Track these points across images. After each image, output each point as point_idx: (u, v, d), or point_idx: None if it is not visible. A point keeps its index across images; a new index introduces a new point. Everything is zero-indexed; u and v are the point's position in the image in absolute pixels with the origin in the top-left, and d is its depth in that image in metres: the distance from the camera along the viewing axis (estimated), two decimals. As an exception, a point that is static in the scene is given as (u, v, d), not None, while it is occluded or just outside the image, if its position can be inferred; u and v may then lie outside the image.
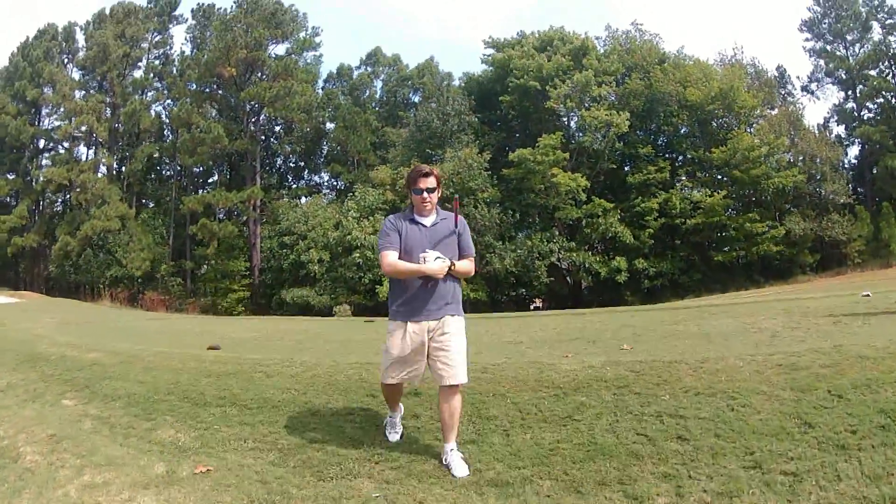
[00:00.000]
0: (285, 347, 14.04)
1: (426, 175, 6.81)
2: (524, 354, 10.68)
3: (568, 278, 57.70)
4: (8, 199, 68.89)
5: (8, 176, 67.35)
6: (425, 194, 6.76)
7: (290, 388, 9.14)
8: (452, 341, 6.65)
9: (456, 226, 6.86)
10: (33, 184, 66.31)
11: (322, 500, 5.87)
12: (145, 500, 5.99)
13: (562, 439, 6.64)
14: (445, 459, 6.48)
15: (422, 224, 6.80)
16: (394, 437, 7.27)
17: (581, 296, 56.61)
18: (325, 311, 49.24)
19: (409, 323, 6.71)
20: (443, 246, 6.76)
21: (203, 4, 69.95)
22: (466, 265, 6.89)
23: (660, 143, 62.28)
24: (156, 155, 70.15)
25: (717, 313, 15.55)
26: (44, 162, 68.86)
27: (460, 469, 6.28)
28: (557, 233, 55.14)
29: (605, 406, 7.20)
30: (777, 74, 68.99)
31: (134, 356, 12.52)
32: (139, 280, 60.39)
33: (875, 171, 61.82)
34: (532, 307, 55.93)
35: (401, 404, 7.49)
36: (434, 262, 6.60)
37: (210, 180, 72.35)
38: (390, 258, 6.71)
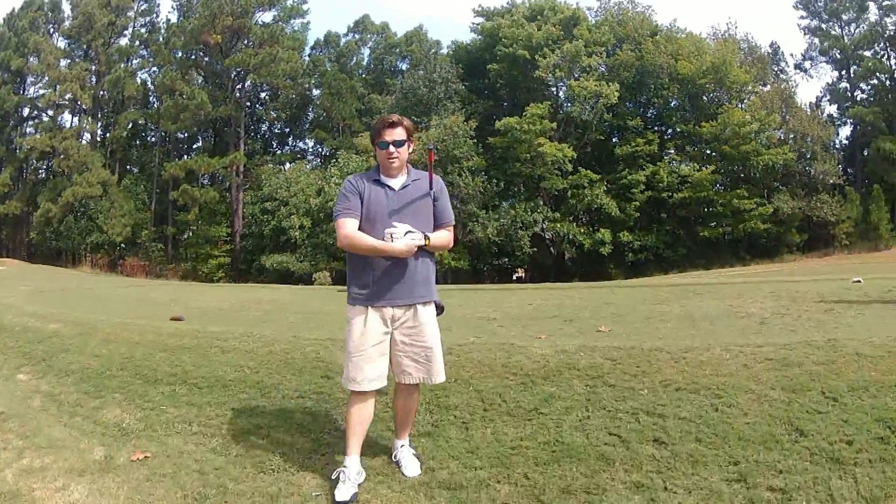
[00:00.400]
0: (249, 319, 13.59)
1: (392, 125, 5.50)
2: (495, 333, 10.09)
3: (552, 249, 57.04)
4: None
5: (-11, 142, 66.95)
6: (392, 149, 5.44)
7: (243, 366, 8.63)
8: (426, 333, 5.54)
9: (431, 187, 5.57)
10: (17, 151, 66.34)
11: (258, 497, 5.35)
12: (79, 488, 5.63)
13: (525, 436, 6.01)
14: (395, 455, 5.78)
15: (389, 186, 5.50)
16: (345, 493, 5.20)
17: (564, 267, 56.24)
18: (305, 278, 49.33)
19: (369, 309, 5.43)
20: (413, 212, 5.48)
21: (191, -28, 69.24)
22: (444, 237, 5.63)
23: (649, 115, 62.15)
24: (141, 122, 70.23)
25: (702, 293, 15.05)
26: (28, 130, 68.92)
27: (411, 468, 5.61)
28: (542, 203, 54.94)
29: (575, 399, 6.54)
30: (770, 51, 68.34)
31: (94, 327, 12.11)
32: (120, 246, 60.49)
33: (866, 153, 61.76)
34: (515, 277, 56.47)
35: (358, 455, 5.55)
36: (403, 239, 5.34)
37: (195, 146, 72.03)
38: (348, 228, 5.38)
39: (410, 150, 5.66)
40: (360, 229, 5.42)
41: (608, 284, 22.64)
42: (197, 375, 8.49)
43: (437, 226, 5.64)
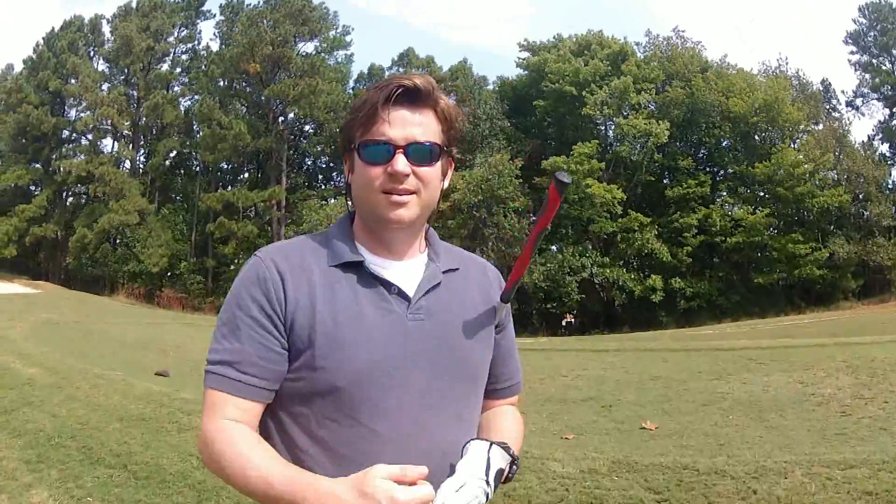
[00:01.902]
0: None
1: (409, 98, 1.99)
2: None
3: (602, 294, 55.28)
4: (31, 188, 68.88)
5: (30, 166, 66.72)
6: (401, 165, 1.94)
7: (192, 455, 7.51)
8: None
9: (508, 292, 2.18)
10: (55, 175, 65.64)
11: None
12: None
13: None
14: None
15: (388, 282, 2.01)
16: None
17: (614, 314, 54.34)
18: None
19: None
20: (451, 364, 2.05)
21: (231, 0, 69.08)
22: (520, 435, 2.30)
23: (700, 155, 60.40)
24: (185, 150, 69.82)
25: (765, 362, 13.41)
26: (66, 153, 68.23)
27: None
28: (591, 247, 53.44)
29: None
30: (822, 88, 65.99)
31: (68, 378, 11.98)
32: (157, 276, 59.73)
33: (921, 194, 59.24)
34: (564, 323, 54.79)
35: None
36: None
37: (239, 178, 71.75)
38: (226, 437, 1.88)
39: (446, 179, 2.17)
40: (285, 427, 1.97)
41: (658, 347, 20.37)
42: (141, 460, 7.58)
43: (498, 392, 2.37)
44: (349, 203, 2.15)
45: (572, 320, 55.67)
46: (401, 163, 1.92)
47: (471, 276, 2.19)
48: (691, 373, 12.84)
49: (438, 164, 2.03)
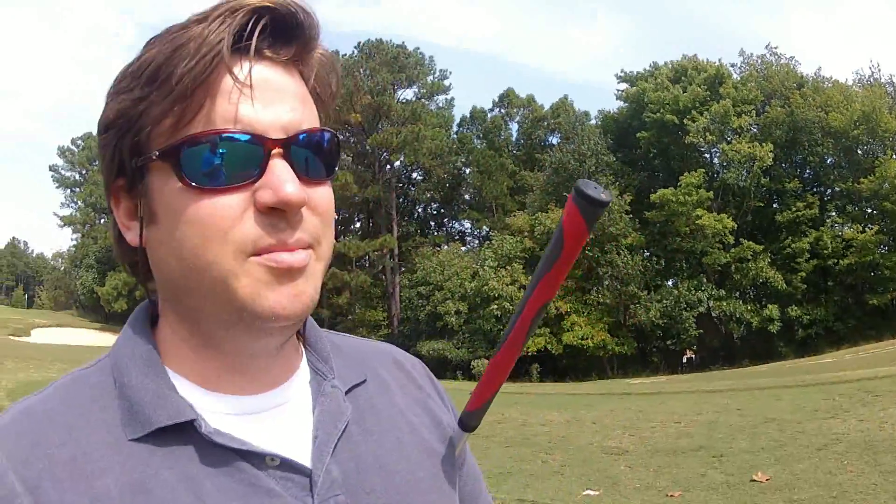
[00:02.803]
0: None
1: (277, 33, 0.91)
2: (616, 484, 8.67)
3: (721, 327, 54.89)
4: None
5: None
6: (289, 185, 0.86)
7: None
8: None
9: (473, 419, 1.13)
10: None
11: None
12: None
13: None
14: None
15: (256, 455, 0.92)
16: None
17: (733, 347, 53.84)
18: (462, 365, 48.98)
19: None
20: None
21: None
22: None
23: (806, 175, 59.66)
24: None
25: (882, 394, 13.11)
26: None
27: None
28: (706, 280, 53.11)
29: None
30: (917, 92, 64.83)
31: None
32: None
33: None
34: (684, 359, 54.24)
35: None
36: None
37: (351, 228, 72.35)
38: None
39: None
40: None
41: (773, 384, 19.97)
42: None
43: None
44: (148, 288, 1.05)
45: (692, 356, 55.10)
46: (289, 179, 0.88)
47: (389, 386, 1.21)
48: (806, 412, 12.52)
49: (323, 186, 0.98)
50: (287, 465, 0.94)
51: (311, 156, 0.93)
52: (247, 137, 0.87)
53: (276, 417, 0.99)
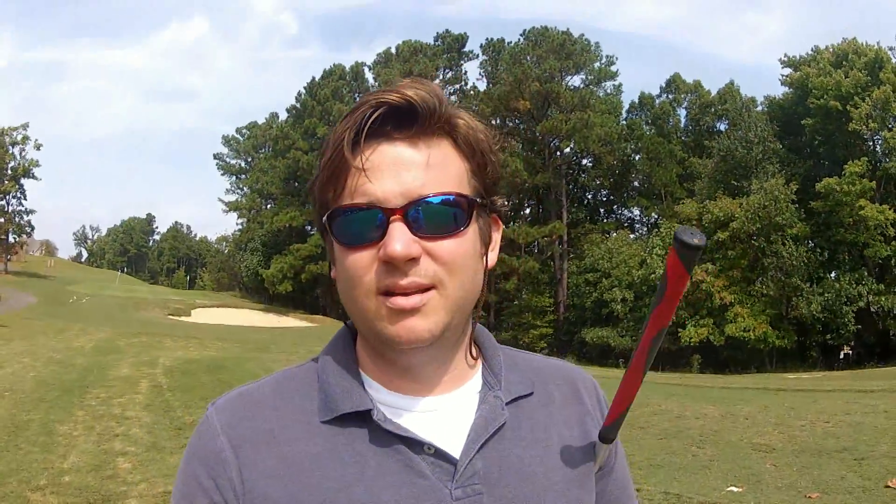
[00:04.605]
0: None
1: (398, 117, 1.15)
2: (759, 482, 8.75)
3: (879, 323, 53.37)
4: (306, 228, 76.65)
5: (303, 207, 72.87)
6: (397, 244, 1.10)
7: None
8: None
9: (610, 432, 1.29)
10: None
11: None
12: None
13: None
14: None
15: (415, 442, 1.19)
16: None
17: (889, 344, 52.53)
18: (626, 353, 48.61)
19: None
20: None
21: (492, 39, 72.30)
22: None
23: (972, 165, 56.19)
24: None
25: None
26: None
27: None
28: (866, 273, 51.80)
29: None
30: None
31: None
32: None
33: None
34: (842, 355, 53.59)
35: None
36: None
37: (521, 214, 73.54)
38: None
39: (492, 249, 1.30)
40: None
41: None
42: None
43: None
44: (343, 328, 1.40)
45: (849, 352, 54.15)
46: (398, 239, 1.10)
47: (554, 400, 1.37)
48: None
49: (471, 228, 1.20)
50: (440, 454, 1.18)
51: (430, 216, 1.12)
52: (368, 207, 1.12)
53: (442, 416, 1.23)
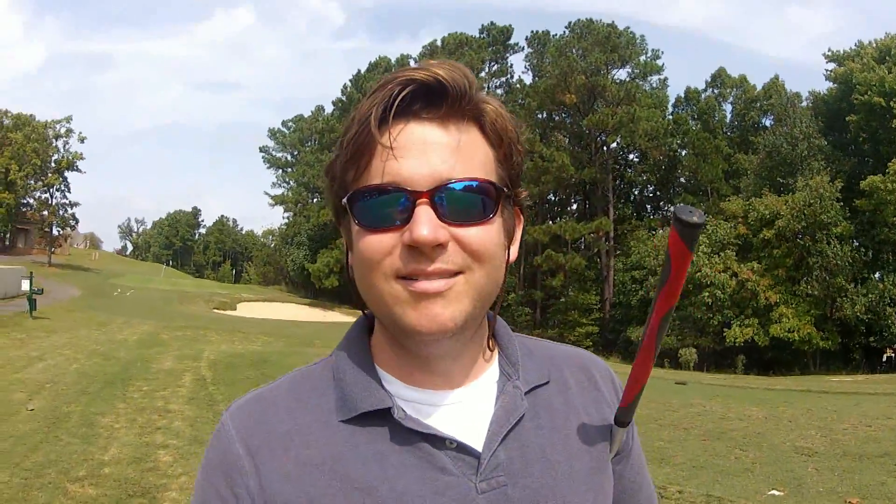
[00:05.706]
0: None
1: (428, 96, 1.13)
2: (801, 486, 8.87)
3: None
4: None
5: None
6: (424, 228, 1.08)
7: None
8: None
9: (626, 415, 1.32)
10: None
11: None
12: None
13: None
14: None
15: (437, 438, 1.20)
16: None
17: None
18: (670, 353, 49.18)
19: None
20: None
21: (537, 32, 72.41)
22: None
23: None
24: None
25: None
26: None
27: None
28: None
29: None
30: None
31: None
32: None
33: None
34: (885, 358, 53.11)
35: None
36: None
37: (568, 209, 74.07)
38: None
39: (515, 242, 1.30)
40: None
41: None
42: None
43: None
44: (356, 328, 1.41)
45: (892, 355, 53.67)
46: (425, 224, 1.09)
47: (570, 387, 1.39)
48: None
49: (497, 218, 1.19)
50: (462, 448, 1.17)
51: (457, 201, 1.11)
52: (390, 189, 1.10)
53: (462, 409, 1.23)
